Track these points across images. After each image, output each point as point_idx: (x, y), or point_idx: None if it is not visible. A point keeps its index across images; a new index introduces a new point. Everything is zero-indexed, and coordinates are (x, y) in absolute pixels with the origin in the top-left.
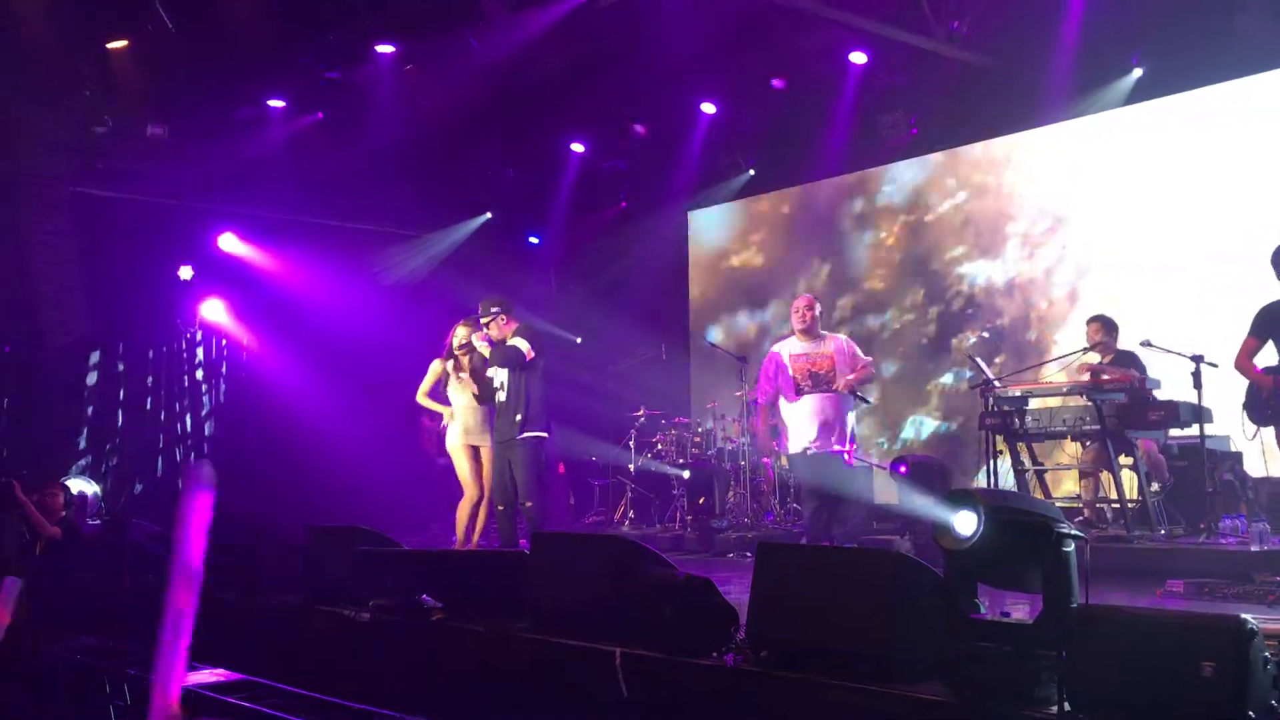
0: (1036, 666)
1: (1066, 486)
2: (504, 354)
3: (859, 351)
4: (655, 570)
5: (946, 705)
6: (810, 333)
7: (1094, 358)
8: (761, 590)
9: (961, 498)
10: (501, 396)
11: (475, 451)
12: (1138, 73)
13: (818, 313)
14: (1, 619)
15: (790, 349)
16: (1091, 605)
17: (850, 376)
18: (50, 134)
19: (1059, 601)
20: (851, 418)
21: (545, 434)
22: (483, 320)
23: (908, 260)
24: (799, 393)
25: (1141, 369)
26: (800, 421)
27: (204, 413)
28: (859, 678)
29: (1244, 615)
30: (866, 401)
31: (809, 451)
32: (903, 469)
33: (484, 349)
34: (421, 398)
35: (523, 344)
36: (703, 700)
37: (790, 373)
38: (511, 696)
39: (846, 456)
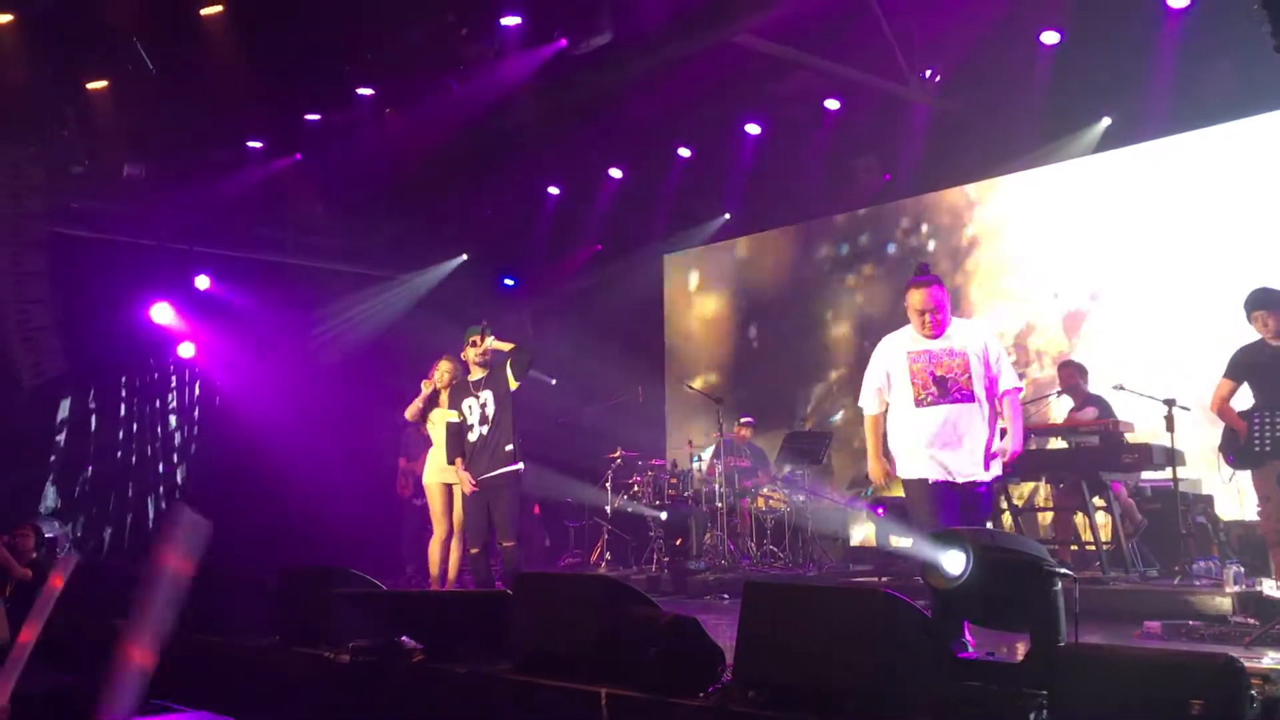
0: (1024, 705)
1: (1040, 529)
2: (526, 356)
3: (1004, 359)
4: (640, 610)
5: None
6: (938, 328)
7: (1066, 401)
8: (749, 629)
9: (950, 537)
10: (484, 430)
11: (449, 489)
12: (1106, 121)
13: (948, 304)
14: (54, 584)
15: (907, 345)
16: (1080, 644)
17: (1005, 445)
18: (27, 173)
19: (1047, 640)
20: (995, 438)
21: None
22: (473, 337)
23: (881, 302)
24: (920, 404)
25: (1110, 413)
26: (920, 443)
27: (176, 456)
28: (847, 717)
29: (1231, 654)
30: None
31: (932, 481)
32: (880, 510)
33: (505, 346)
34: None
35: (509, 369)
36: None
37: (907, 376)
38: None
39: (985, 489)
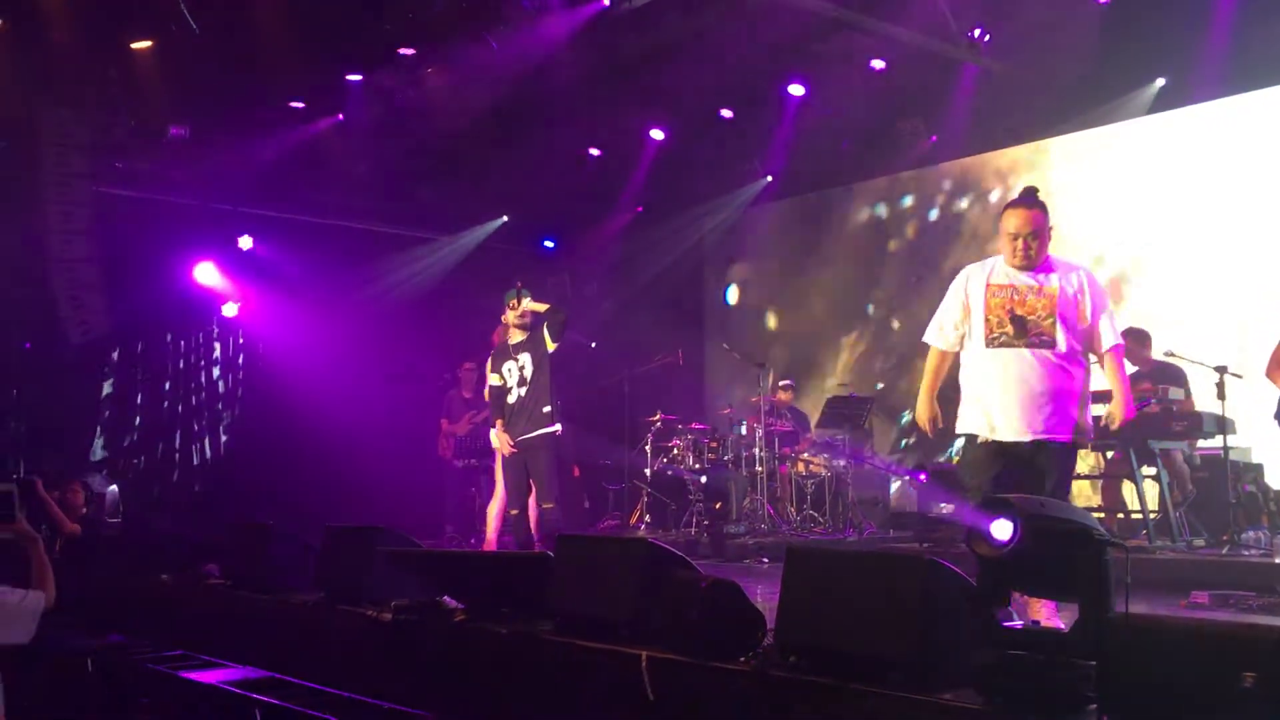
0: (1072, 676)
1: (1084, 497)
2: (561, 316)
3: (1108, 311)
4: (681, 573)
5: (980, 714)
6: (1030, 259)
7: (1128, 368)
8: (790, 594)
9: (999, 504)
10: (521, 392)
11: None
12: (1160, 82)
13: (1049, 227)
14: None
15: (991, 275)
16: (1130, 614)
17: (1113, 411)
18: (73, 133)
19: (1096, 610)
20: (1078, 398)
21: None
22: (510, 300)
23: (926, 267)
24: (991, 343)
25: (1177, 380)
26: (985, 390)
27: (220, 414)
28: (890, 685)
29: None
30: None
31: (982, 439)
32: (922, 477)
33: (540, 307)
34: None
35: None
36: (730, 705)
37: (982, 310)
38: (536, 699)
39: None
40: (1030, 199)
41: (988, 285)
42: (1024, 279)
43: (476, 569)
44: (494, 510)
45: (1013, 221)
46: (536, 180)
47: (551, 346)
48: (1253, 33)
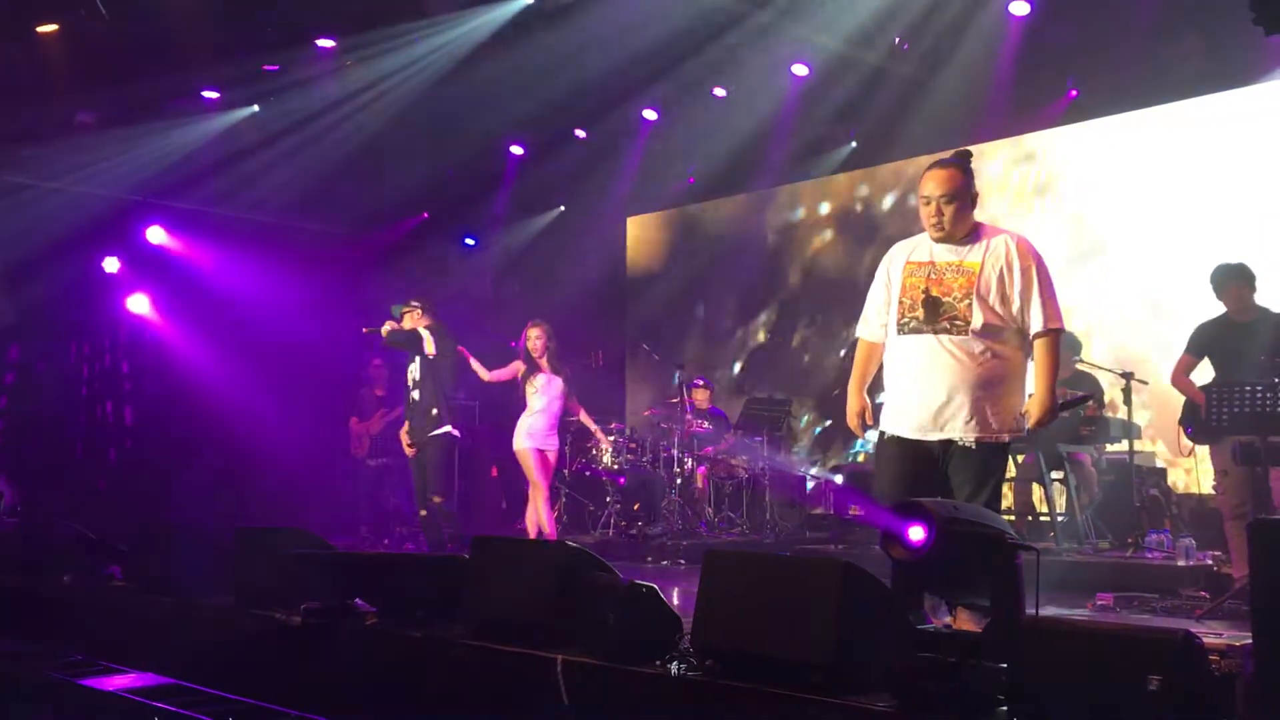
0: (983, 678)
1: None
2: (405, 336)
3: (1043, 286)
4: (599, 576)
5: (891, 716)
6: (951, 232)
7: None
8: (707, 598)
9: (913, 508)
10: (415, 394)
11: (542, 454)
12: (1073, 94)
13: (970, 193)
14: None
15: (913, 252)
16: (1040, 617)
17: (1029, 407)
18: None
19: (1007, 613)
20: (1009, 386)
21: (457, 432)
22: (398, 312)
23: (846, 271)
24: (901, 329)
25: (1091, 387)
26: (896, 382)
27: (127, 410)
28: (806, 688)
29: (1188, 629)
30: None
31: (891, 435)
32: (838, 479)
33: (385, 329)
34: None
35: (427, 336)
36: (645, 709)
37: (898, 292)
38: (449, 704)
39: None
40: (953, 159)
41: (906, 264)
42: (945, 254)
43: (389, 571)
44: (532, 513)
45: (927, 184)
46: (458, 177)
47: (432, 352)
48: (1162, 48)
